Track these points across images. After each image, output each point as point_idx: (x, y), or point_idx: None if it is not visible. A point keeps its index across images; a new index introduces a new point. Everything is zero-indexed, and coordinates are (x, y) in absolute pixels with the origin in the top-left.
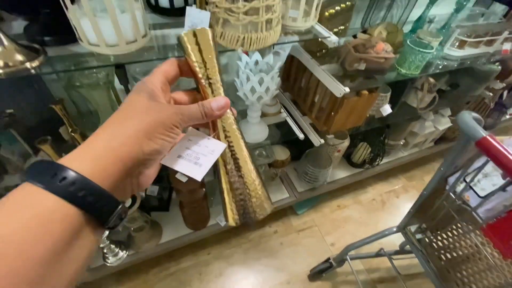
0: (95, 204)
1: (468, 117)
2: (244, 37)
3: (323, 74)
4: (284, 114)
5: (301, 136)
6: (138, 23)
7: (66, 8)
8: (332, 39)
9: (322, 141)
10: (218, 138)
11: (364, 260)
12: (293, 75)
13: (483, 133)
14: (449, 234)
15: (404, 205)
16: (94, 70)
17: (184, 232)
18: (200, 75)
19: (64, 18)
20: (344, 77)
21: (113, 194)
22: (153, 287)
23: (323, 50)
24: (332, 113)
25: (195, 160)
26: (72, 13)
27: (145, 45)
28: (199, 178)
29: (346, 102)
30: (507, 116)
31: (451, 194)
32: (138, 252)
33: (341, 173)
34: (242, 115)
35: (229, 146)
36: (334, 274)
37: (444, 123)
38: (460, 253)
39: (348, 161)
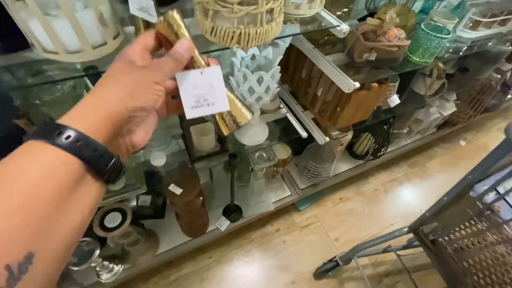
0: (93, 155)
1: None
2: (240, 33)
3: (329, 66)
4: (284, 110)
5: (304, 134)
6: (106, 20)
7: (8, 6)
8: (342, 28)
9: (327, 139)
10: (207, 64)
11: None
12: (292, 65)
13: None
14: (470, 241)
15: (407, 194)
16: (58, 83)
17: (182, 240)
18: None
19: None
20: (348, 67)
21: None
22: None
23: (326, 37)
24: (338, 109)
25: (207, 103)
26: (16, 13)
27: (119, 46)
28: (225, 108)
29: (354, 97)
30: (509, 96)
31: (478, 203)
32: (135, 265)
33: (343, 166)
34: None
35: None
36: (340, 271)
37: (449, 108)
38: (483, 262)
39: (350, 152)
